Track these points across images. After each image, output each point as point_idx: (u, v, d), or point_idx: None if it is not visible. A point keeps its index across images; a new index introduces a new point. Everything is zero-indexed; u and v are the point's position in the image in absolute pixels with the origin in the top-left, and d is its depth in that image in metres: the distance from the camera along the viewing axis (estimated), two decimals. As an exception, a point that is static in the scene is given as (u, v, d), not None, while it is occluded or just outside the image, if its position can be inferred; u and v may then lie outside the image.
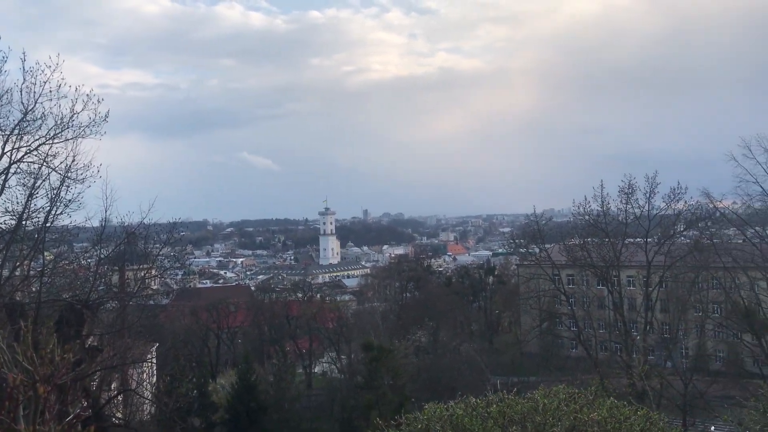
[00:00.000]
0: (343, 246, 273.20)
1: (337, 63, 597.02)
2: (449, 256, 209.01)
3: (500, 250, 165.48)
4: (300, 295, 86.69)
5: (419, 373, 54.88)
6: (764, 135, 44.85)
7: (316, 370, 73.41)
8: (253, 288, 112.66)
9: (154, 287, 37.32)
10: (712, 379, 49.49)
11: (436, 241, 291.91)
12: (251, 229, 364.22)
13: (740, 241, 51.41)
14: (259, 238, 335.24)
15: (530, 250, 62.98)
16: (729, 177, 45.69)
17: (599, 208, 52.77)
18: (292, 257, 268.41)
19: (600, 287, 60.60)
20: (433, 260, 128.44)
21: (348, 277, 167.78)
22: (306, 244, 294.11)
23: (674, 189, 51.26)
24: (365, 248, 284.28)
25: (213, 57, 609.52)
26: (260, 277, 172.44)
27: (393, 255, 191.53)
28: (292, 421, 50.03)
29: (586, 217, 53.96)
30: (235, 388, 48.71)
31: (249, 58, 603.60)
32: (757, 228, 48.71)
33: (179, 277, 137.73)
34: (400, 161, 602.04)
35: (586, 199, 52.82)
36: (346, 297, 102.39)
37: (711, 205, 50.47)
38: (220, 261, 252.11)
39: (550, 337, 66.82)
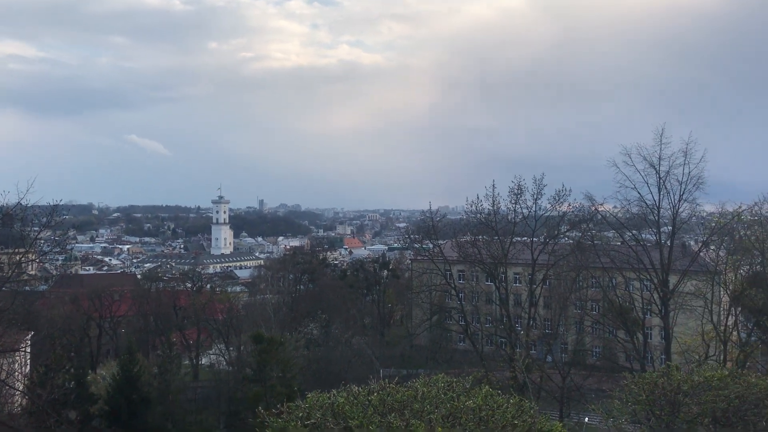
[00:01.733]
0: (236, 236, 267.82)
1: (235, 48, 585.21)
2: (345, 249, 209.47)
3: (395, 245, 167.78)
4: (189, 285, 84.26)
5: (310, 365, 54.74)
6: (643, 144, 47.94)
7: (204, 362, 71.66)
8: (139, 276, 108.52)
9: (32, 272, 35.21)
10: (588, 373, 52.17)
11: (333, 234, 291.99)
12: (140, 215, 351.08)
13: (618, 243, 54.37)
14: (148, 224, 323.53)
15: (424, 246, 64.20)
16: (610, 182, 48.46)
17: (490, 207, 54.58)
18: (182, 246, 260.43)
19: (488, 283, 62.61)
20: (328, 253, 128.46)
21: (240, 268, 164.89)
22: (197, 233, 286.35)
23: (559, 191, 53.64)
24: (260, 239, 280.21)
25: (104, 33, 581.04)
26: (147, 265, 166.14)
27: (288, 247, 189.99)
28: (176, 413, 48.63)
29: (478, 215, 55.66)
30: (116, 380, 46.71)
31: (143, 38, 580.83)
32: (633, 231, 51.73)
33: (60, 262, 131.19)
34: (299, 152, 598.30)
35: (478, 198, 54.51)
36: (238, 288, 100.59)
37: (593, 208, 53.24)
38: (105, 247, 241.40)
39: (439, 330, 68.43)
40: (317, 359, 57.54)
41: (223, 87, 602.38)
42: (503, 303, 54.82)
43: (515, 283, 65.19)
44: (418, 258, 70.65)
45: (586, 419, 42.60)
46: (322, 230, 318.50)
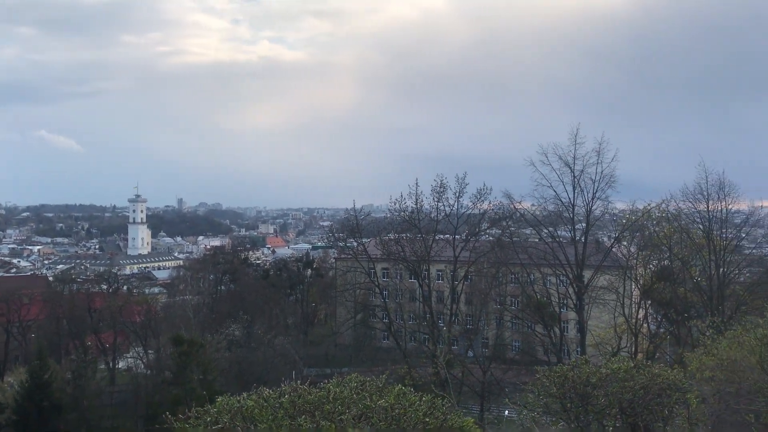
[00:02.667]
0: (154, 236, 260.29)
1: (151, 42, 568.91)
2: (268, 248, 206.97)
3: (319, 244, 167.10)
4: (105, 286, 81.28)
5: (231, 367, 53.84)
6: (559, 144, 49.55)
7: (121, 365, 69.34)
8: (51, 278, 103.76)
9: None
10: (508, 367, 53.47)
11: (255, 233, 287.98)
12: (51, 214, 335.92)
13: (536, 240, 55.99)
14: (60, 224, 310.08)
15: (348, 244, 64.19)
16: (528, 180, 49.86)
17: (414, 206, 55.17)
18: (97, 246, 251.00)
19: (412, 280, 63.18)
20: (251, 252, 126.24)
21: (159, 268, 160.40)
22: (113, 233, 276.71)
23: (480, 190, 54.80)
24: (179, 239, 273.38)
25: (10, 23, 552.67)
26: (60, 266, 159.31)
27: (209, 246, 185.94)
28: (91, 419, 47.06)
29: (402, 213, 56.13)
30: (26, 387, 44.64)
31: (52, 29, 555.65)
32: (550, 228, 53.37)
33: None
34: (220, 150, 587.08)
35: (402, 196, 54.96)
36: (156, 289, 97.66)
37: (512, 206, 54.60)
38: (13, 248, 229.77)
39: (363, 328, 68.61)
40: (239, 361, 56.60)
41: (139, 82, 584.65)
42: (426, 300, 55.49)
43: (438, 280, 66.03)
44: (342, 256, 70.67)
45: (506, 412, 43.63)
46: (244, 229, 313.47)
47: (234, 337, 66.94)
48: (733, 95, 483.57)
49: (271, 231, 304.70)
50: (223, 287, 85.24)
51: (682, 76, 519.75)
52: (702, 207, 47.72)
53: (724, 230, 48.41)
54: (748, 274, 52.59)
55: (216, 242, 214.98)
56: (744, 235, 51.16)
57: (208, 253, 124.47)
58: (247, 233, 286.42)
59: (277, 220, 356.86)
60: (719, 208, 47.44)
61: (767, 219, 59.97)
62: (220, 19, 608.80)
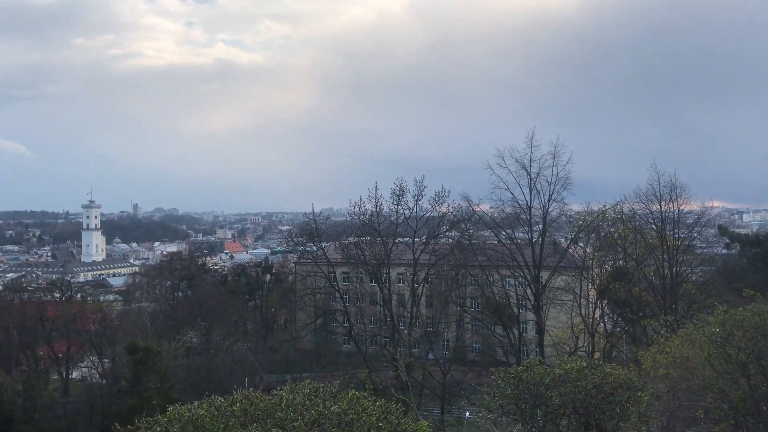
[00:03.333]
0: (109, 242, 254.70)
1: (103, 45, 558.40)
2: (226, 254, 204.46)
3: (279, 248, 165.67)
4: (57, 294, 79.17)
5: (190, 374, 53.05)
6: (516, 147, 50.18)
7: (75, 375, 67.59)
8: (0, 287, 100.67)
9: None
10: (468, 369, 53.74)
11: (213, 239, 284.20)
12: (0, 221, 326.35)
13: (494, 242, 56.49)
14: (10, 231, 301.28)
15: (307, 248, 63.78)
16: (486, 183, 50.38)
17: (373, 209, 55.17)
18: (50, 254, 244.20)
19: (372, 284, 63.11)
20: (208, 258, 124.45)
21: (114, 275, 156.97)
22: (66, 240, 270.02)
23: (439, 193, 55.14)
24: (134, 245, 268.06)
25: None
26: (10, 275, 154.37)
27: (165, 252, 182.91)
28: (44, 431, 45.74)
29: (361, 216, 56.08)
30: (-27, 400, 43.24)
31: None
32: (508, 230, 53.93)
33: None
34: (176, 154, 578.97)
35: (361, 199, 54.95)
36: (111, 297, 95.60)
37: (470, 209, 55.06)
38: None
39: (323, 333, 68.23)
40: (197, 368, 55.83)
41: (91, 86, 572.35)
42: (386, 303, 55.52)
43: (398, 283, 66.12)
44: (302, 261, 70.13)
45: (467, 414, 43.84)
46: (201, 235, 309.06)
47: (192, 344, 65.96)
48: (683, 98, 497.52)
49: (229, 236, 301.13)
50: (180, 294, 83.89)
51: (634, 79, 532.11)
52: (655, 208, 48.83)
53: (676, 230, 49.55)
54: (699, 273, 53.87)
55: (173, 248, 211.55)
56: (696, 235, 52.41)
57: (164, 259, 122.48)
58: (205, 239, 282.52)
59: (236, 225, 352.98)
60: (671, 209, 48.59)
61: (718, 219, 61.62)
62: (174, 21, 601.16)
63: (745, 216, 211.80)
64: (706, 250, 54.94)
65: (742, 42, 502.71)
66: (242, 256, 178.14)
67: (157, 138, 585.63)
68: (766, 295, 35.74)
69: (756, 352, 12.57)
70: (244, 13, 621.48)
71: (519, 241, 54.22)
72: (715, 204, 68.15)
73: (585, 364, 14.46)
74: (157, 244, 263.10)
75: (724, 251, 56.75)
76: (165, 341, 56.70)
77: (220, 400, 10.23)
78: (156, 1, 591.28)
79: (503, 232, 54.60)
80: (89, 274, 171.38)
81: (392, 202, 54.86)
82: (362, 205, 54.95)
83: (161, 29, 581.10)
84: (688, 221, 52.06)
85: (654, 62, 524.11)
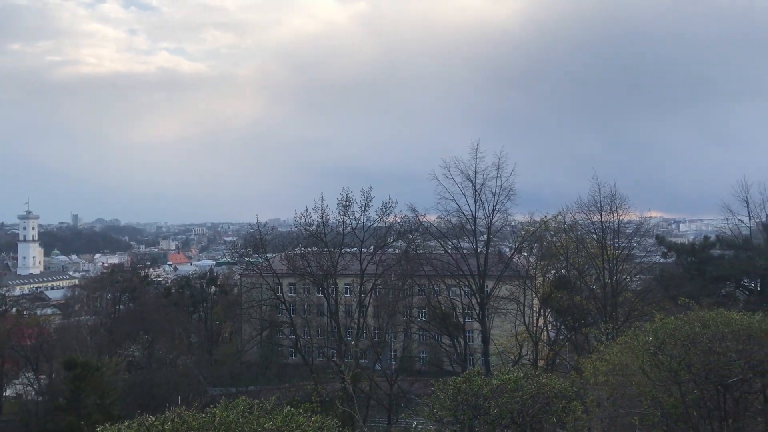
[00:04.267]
0: (47, 254, 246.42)
1: (42, 51, 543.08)
2: (170, 265, 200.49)
3: (224, 260, 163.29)
4: (-9, 309, 76.29)
5: (131, 390, 51.61)
6: (461, 158, 50.87)
7: (9, 393, 65.09)
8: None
9: None
10: (415, 379, 53.98)
11: (156, 250, 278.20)
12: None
13: (441, 252, 56.99)
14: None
15: (253, 260, 63.07)
16: (432, 193, 50.91)
17: (320, 219, 54.96)
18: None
19: (319, 295, 62.77)
20: (151, 270, 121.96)
21: (52, 288, 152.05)
22: (1, 252, 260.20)
23: (386, 203, 55.28)
24: (74, 257, 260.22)
25: None
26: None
27: (106, 264, 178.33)
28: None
29: (308, 227, 55.77)
30: None
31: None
32: (453, 241, 54.51)
33: None
34: (118, 164, 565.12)
35: (307, 210, 54.67)
36: (49, 311, 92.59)
37: (417, 219, 55.43)
38: None
39: (269, 345, 67.41)
40: (139, 383, 54.35)
41: (29, 92, 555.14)
42: (333, 315, 55.23)
43: (346, 294, 65.91)
44: (247, 272, 69.26)
45: (414, 424, 43.94)
46: (144, 246, 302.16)
47: (134, 358, 64.32)
48: (622, 111, 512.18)
49: (173, 247, 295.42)
50: (122, 306, 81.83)
51: (575, 92, 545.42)
52: (596, 218, 50.02)
53: (616, 240, 50.84)
54: (638, 282, 55.38)
55: (114, 260, 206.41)
56: (635, 245, 53.88)
57: (105, 271, 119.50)
58: (148, 250, 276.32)
59: (180, 236, 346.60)
60: (612, 219, 49.87)
61: (656, 229, 63.49)
62: (115, 28, 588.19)
63: (681, 226, 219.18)
64: (644, 259, 56.53)
65: (677, 55, 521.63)
66: (186, 268, 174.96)
67: (98, 147, 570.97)
68: (700, 301, 37.11)
69: (686, 360, 13.02)
70: (188, 22, 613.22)
71: (464, 251, 54.85)
72: (653, 214, 70.53)
73: (522, 375, 14.72)
74: (98, 255, 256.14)
75: (662, 260, 58.46)
76: (105, 356, 55.12)
77: (151, 419, 10.02)
78: (97, 7, 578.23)
79: (449, 243, 55.14)
80: (26, 287, 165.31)
81: (339, 213, 54.84)
82: (308, 216, 54.76)
83: (102, 36, 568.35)
84: (627, 231, 53.50)
85: (593, 75, 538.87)
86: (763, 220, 42.88)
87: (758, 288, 40.84)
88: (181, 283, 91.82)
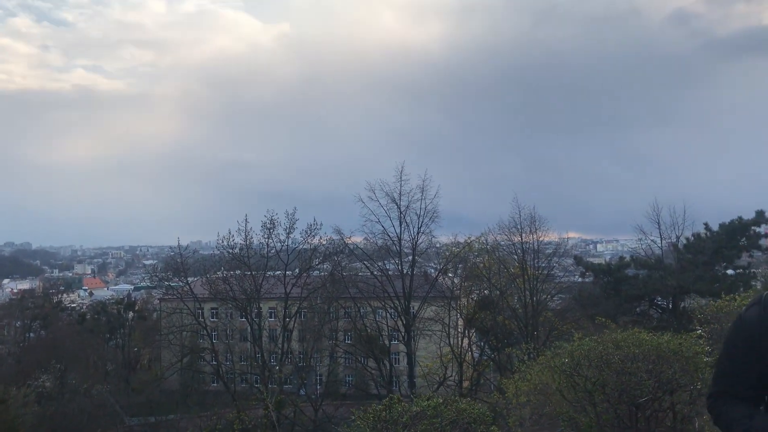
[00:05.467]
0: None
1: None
2: (85, 290, 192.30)
3: (142, 284, 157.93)
4: None
5: (42, 422, 48.97)
6: (386, 181, 51.23)
7: None
8: None
9: None
10: (340, 403, 53.39)
11: (71, 275, 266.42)
12: None
13: (367, 274, 56.95)
14: None
15: (173, 284, 61.31)
16: (357, 216, 50.98)
17: (243, 242, 54.04)
18: None
19: (242, 320, 61.47)
20: (65, 295, 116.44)
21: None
22: None
23: (311, 225, 54.96)
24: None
25: None
26: None
27: (16, 290, 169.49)
28: None
29: (231, 250, 54.73)
30: None
31: None
32: (379, 263, 54.63)
33: None
34: (30, 185, 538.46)
35: (230, 233, 53.68)
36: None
37: (342, 241, 55.29)
38: None
39: (190, 372, 65.41)
40: (51, 415, 51.67)
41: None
42: (256, 340, 54.18)
43: (270, 318, 64.78)
44: (167, 297, 67.21)
45: (339, 449, 43.39)
46: (57, 270, 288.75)
47: (45, 389, 61.14)
48: (541, 134, 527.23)
49: (89, 271, 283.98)
50: (32, 334, 77.85)
51: (496, 115, 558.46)
52: (516, 239, 51.25)
53: (536, 260, 52.14)
54: (558, 301, 56.85)
55: (25, 285, 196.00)
56: (555, 265, 55.38)
57: (14, 297, 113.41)
58: (62, 274, 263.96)
59: (96, 260, 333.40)
60: (532, 240, 51.17)
61: (574, 249, 65.43)
62: (28, 44, 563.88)
63: (599, 246, 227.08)
64: (564, 279, 58.14)
65: (590, 83, 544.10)
66: (103, 293, 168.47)
67: (8, 168, 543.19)
68: (617, 320, 38.33)
69: (601, 381, 13.32)
70: (106, 39, 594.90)
71: (390, 272, 55.01)
72: (572, 235, 72.73)
73: (441, 401, 14.71)
74: (6, 281, 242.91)
75: (580, 280, 60.25)
76: (13, 387, 52.13)
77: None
78: (7, 21, 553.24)
79: (375, 264, 55.20)
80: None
81: (263, 235, 54.13)
82: (232, 239, 53.79)
83: (12, 51, 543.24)
84: (547, 251, 54.97)
85: (512, 99, 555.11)
86: (674, 240, 44.77)
87: (670, 306, 42.52)
88: (97, 308, 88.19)
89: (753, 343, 3.53)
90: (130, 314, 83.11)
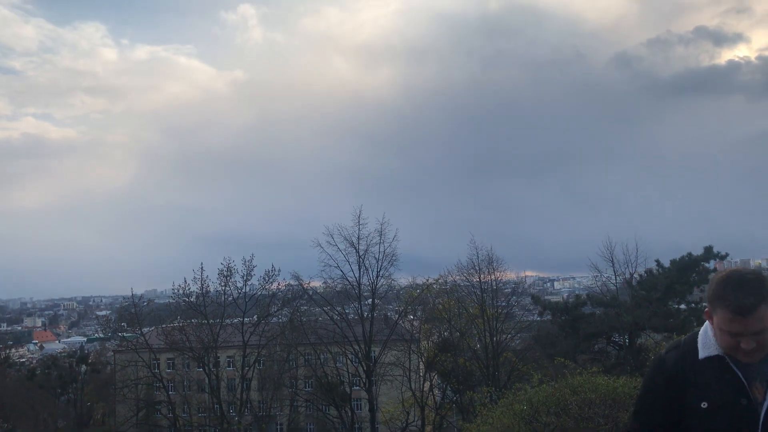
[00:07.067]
0: None
1: None
2: (35, 344, 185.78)
3: (96, 336, 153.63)
4: None
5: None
6: (344, 225, 51.25)
7: None
8: None
9: None
10: (302, 453, 52.33)
11: (20, 328, 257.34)
12: None
13: (327, 320, 56.39)
14: None
15: (128, 335, 59.75)
16: (316, 261, 50.71)
17: (199, 290, 53.15)
18: None
19: (199, 370, 60.05)
20: (14, 350, 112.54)
21: None
22: None
23: (269, 271, 54.43)
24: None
25: None
26: None
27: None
28: None
29: (186, 299, 53.75)
30: None
31: None
32: (338, 308, 54.23)
33: None
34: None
35: (185, 281, 52.82)
36: None
37: (301, 286, 54.82)
38: None
39: (147, 426, 63.31)
40: (-4, 479, 49.39)
41: None
42: (213, 390, 52.92)
43: (229, 367, 63.42)
44: (121, 349, 65.33)
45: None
46: (5, 324, 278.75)
47: (-10, 450, 58.58)
48: (494, 177, 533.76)
49: (39, 324, 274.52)
50: (-22, 393, 74.66)
51: (450, 159, 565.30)
52: (475, 279, 51.55)
53: (495, 300, 52.48)
54: (518, 340, 57.07)
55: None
56: (514, 304, 55.79)
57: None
58: (10, 328, 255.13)
59: (47, 312, 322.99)
60: (490, 280, 51.56)
61: (533, 287, 66.11)
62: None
63: (556, 284, 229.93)
64: (523, 318, 58.49)
65: (541, 124, 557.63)
66: (54, 346, 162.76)
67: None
68: (575, 358, 38.61)
69: (559, 427, 13.38)
70: (55, 87, 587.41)
71: (350, 316, 54.60)
72: (529, 273, 73.66)
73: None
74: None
75: (539, 318, 60.80)
76: (-44, 451, 49.77)
77: None
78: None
79: (335, 309, 54.76)
80: None
81: (220, 283, 53.38)
82: (187, 287, 52.91)
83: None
84: (505, 291, 55.41)
85: (463, 142, 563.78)
86: (627, 277, 45.58)
87: (626, 342, 43.05)
88: (48, 363, 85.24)
89: (670, 384, 3.84)
90: (83, 368, 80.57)
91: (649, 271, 43.28)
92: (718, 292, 3.60)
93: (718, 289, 3.60)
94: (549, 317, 57.59)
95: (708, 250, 39.86)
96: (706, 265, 40.35)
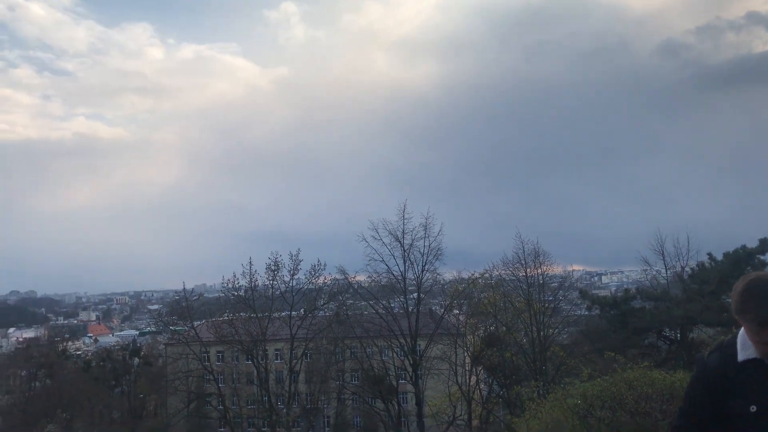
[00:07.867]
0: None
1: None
2: (90, 337, 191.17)
3: (148, 329, 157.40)
4: None
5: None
6: (389, 220, 51.39)
7: None
8: None
9: None
10: (349, 445, 52.82)
11: (75, 322, 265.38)
12: None
13: (372, 313, 56.74)
14: None
15: (179, 328, 61.09)
16: (361, 255, 50.99)
17: (248, 285, 54.01)
18: None
19: (248, 362, 61.07)
20: (70, 343, 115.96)
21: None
22: None
23: (315, 266, 54.94)
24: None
25: None
26: None
27: (21, 339, 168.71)
28: None
29: (236, 293, 54.68)
30: None
31: None
32: (384, 302, 54.46)
33: None
34: (33, 233, 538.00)
35: (235, 275, 53.71)
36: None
37: (347, 280, 55.22)
38: None
39: (197, 418, 64.72)
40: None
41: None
42: (262, 383, 53.77)
43: (277, 360, 64.35)
44: (173, 342, 66.87)
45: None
46: (62, 318, 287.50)
47: (50, 439, 60.65)
48: (538, 170, 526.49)
49: (94, 318, 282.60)
50: (37, 383, 77.38)
51: (493, 152, 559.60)
52: (521, 274, 51.11)
53: (542, 294, 51.96)
54: (566, 336, 56.44)
55: (30, 334, 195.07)
56: (561, 298, 55.16)
57: (20, 346, 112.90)
58: (66, 322, 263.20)
59: (101, 306, 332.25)
60: (536, 274, 51.05)
61: (580, 282, 65.21)
62: (29, 94, 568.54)
63: (603, 278, 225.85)
64: (570, 312, 57.81)
65: (583, 118, 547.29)
66: (108, 339, 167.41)
67: (11, 217, 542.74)
68: (625, 353, 38.04)
69: (615, 422, 13.29)
70: (106, 87, 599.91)
71: (396, 311, 54.79)
72: (576, 267, 72.58)
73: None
74: (12, 330, 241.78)
75: (587, 312, 60.02)
76: (18, 439, 51.73)
77: None
78: (9, 72, 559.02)
79: (380, 303, 55.02)
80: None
81: (267, 277, 54.11)
82: (236, 281, 53.80)
83: (15, 102, 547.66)
84: (552, 285, 54.79)
85: (505, 136, 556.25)
86: (678, 270, 44.66)
87: (678, 337, 42.21)
88: (102, 355, 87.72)
89: (713, 387, 3.91)
90: (136, 360, 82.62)
91: (701, 265, 42.30)
92: (739, 305, 3.58)
93: (740, 301, 3.58)
94: (597, 311, 56.85)
95: (763, 242, 38.74)
96: (762, 257, 39.25)
